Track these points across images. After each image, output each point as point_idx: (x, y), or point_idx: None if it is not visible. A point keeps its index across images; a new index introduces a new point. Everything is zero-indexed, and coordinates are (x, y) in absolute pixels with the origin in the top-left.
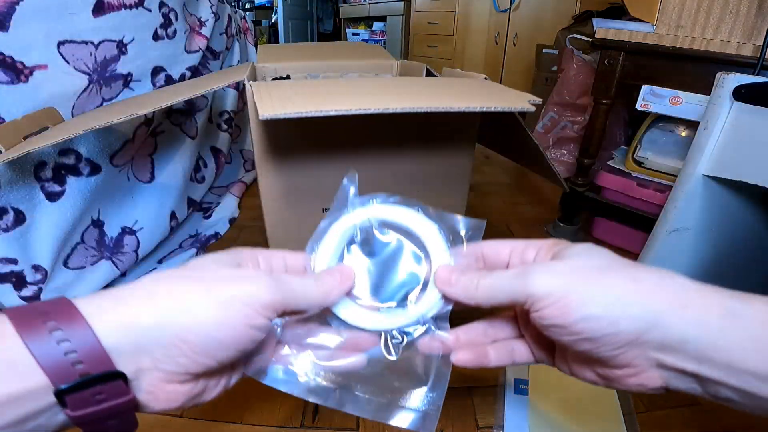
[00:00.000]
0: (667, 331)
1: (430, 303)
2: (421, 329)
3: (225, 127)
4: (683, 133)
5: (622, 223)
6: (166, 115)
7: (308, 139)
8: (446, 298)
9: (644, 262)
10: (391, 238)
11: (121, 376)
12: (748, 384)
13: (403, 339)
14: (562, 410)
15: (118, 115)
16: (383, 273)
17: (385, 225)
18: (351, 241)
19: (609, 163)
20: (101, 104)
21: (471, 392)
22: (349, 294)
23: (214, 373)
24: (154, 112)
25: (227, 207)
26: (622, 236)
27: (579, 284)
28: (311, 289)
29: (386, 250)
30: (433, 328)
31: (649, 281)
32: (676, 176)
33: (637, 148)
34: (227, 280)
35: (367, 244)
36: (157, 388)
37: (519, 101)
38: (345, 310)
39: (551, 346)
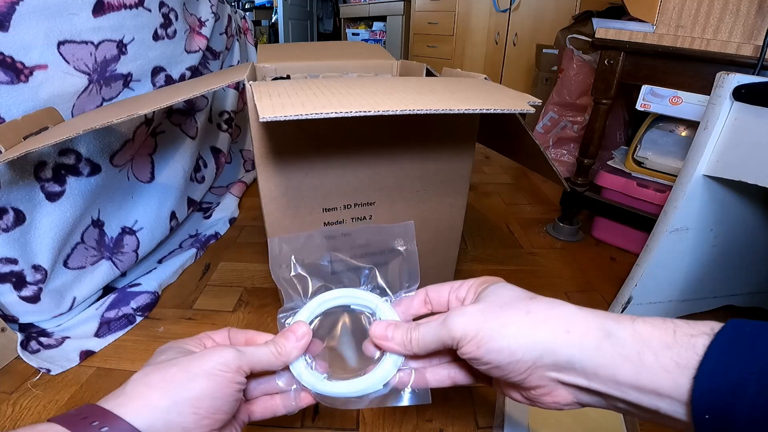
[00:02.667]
0: (556, 354)
1: (385, 369)
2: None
3: (225, 127)
4: (683, 133)
5: (622, 223)
6: (166, 115)
7: (308, 140)
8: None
9: (644, 262)
10: (343, 317)
11: None
12: (630, 396)
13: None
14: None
15: (118, 115)
16: (347, 346)
17: (335, 309)
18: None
19: (609, 163)
20: (101, 104)
21: (471, 392)
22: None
23: (227, 423)
24: (154, 112)
25: (227, 207)
26: (622, 236)
27: (485, 323)
28: (270, 355)
29: (343, 328)
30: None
31: (539, 312)
32: (676, 176)
33: (637, 148)
34: (197, 358)
35: (325, 327)
36: None
37: (519, 102)
38: (321, 384)
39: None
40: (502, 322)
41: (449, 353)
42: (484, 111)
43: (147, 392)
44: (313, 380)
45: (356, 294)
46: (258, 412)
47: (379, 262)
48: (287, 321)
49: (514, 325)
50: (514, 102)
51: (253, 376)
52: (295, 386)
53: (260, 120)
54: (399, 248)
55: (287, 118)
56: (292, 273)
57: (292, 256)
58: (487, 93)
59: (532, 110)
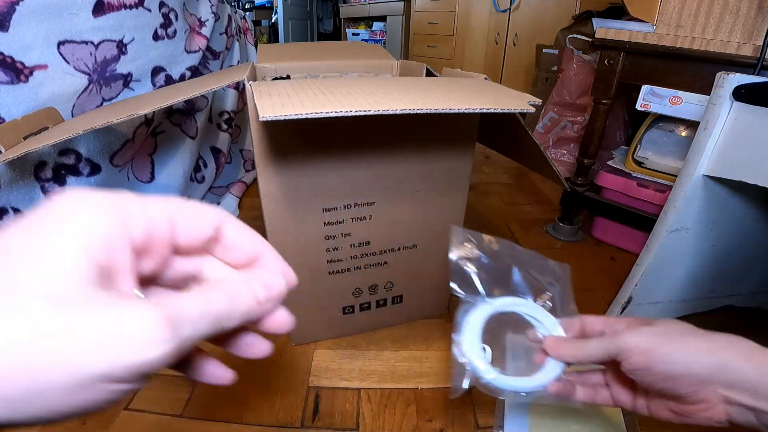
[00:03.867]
0: (733, 374)
1: (551, 369)
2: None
3: (225, 127)
4: (683, 133)
5: (622, 223)
6: (166, 115)
7: (308, 139)
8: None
9: (644, 262)
10: (512, 321)
11: None
12: None
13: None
14: (562, 410)
15: (118, 115)
16: (517, 348)
17: (509, 313)
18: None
19: (609, 163)
20: (101, 104)
21: (471, 392)
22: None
23: None
24: (154, 112)
25: (227, 207)
26: (622, 236)
27: (661, 341)
28: (230, 305)
29: (510, 330)
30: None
31: (720, 340)
32: (676, 176)
33: (637, 148)
34: (78, 330)
35: (493, 323)
36: None
37: (519, 102)
38: (500, 379)
39: (633, 392)
40: (681, 343)
41: (599, 375)
42: (484, 110)
43: None
44: (488, 373)
45: (532, 307)
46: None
47: (540, 286)
48: (469, 313)
49: (694, 344)
50: (514, 102)
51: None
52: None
53: (260, 119)
54: (556, 283)
55: (287, 118)
56: (473, 269)
57: (480, 253)
58: (487, 93)
59: (532, 110)
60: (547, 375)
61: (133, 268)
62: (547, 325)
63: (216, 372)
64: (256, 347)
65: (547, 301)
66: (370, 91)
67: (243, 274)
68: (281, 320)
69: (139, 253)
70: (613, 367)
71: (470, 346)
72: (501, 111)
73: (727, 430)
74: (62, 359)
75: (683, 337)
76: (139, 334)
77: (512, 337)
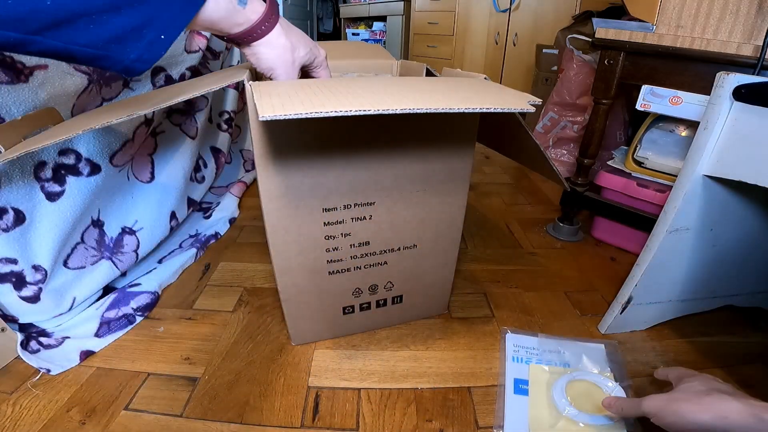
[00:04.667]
0: (732, 424)
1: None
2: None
3: (225, 127)
4: (683, 133)
5: (622, 223)
6: (166, 115)
7: (308, 140)
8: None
9: (644, 262)
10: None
11: None
12: None
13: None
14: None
15: (118, 115)
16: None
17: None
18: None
19: (609, 163)
20: (101, 104)
21: (471, 392)
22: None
23: None
24: (154, 112)
25: (227, 207)
26: (622, 236)
27: (666, 407)
28: None
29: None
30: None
31: (705, 404)
32: (676, 176)
33: (637, 148)
34: None
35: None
36: None
37: (519, 102)
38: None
39: None
40: (675, 408)
41: None
42: (485, 110)
43: None
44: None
45: (601, 377)
46: None
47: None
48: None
49: (684, 411)
50: (515, 101)
51: None
52: None
53: (260, 119)
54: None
55: (287, 117)
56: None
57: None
58: (487, 92)
59: (533, 109)
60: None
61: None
62: (613, 388)
63: None
64: None
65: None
66: (370, 90)
67: None
68: None
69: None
70: None
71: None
72: (501, 110)
73: None
74: None
75: (677, 404)
76: None
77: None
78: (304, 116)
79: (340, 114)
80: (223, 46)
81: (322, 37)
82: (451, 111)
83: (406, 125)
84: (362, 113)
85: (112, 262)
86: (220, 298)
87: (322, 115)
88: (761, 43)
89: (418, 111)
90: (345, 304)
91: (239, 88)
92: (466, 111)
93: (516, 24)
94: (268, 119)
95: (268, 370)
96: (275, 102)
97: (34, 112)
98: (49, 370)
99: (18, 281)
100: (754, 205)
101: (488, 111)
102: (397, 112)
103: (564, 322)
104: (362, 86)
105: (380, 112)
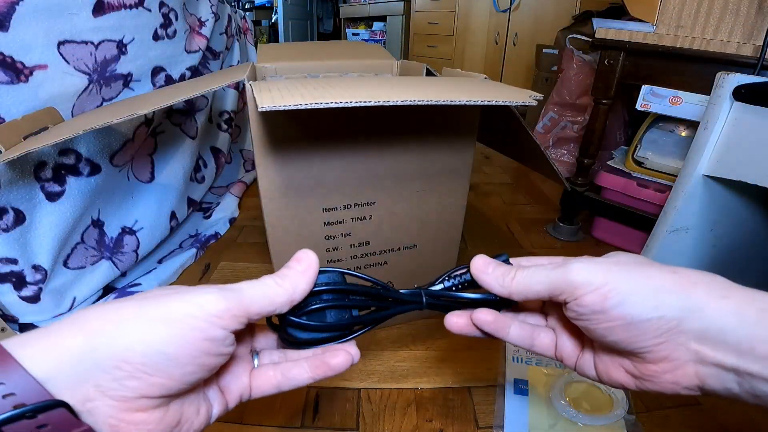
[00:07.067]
0: (707, 320)
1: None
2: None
3: (225, 127)
4: (683, 133)
5: (622, 223)
6: (166, 115)
7: (309, 139)
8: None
9: None
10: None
11: (62, 405)
12: None
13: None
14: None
15: (118, 115)
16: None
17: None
18: None
19: (609, 163)
20: (101, 104)
21: (471, 392)
22: None
23: (187, 397)
24: (154, 112)
25: (227, 207)
26: (622, 236)
27: (619, 274)
28: (271, 286)
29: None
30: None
31: (689, 274)
32: (676, 176)
33: (637, 148)
34: (168, 296)
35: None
36: (120, 420)
37: (520, 96)
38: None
39: (579, 345)
40: (643, 277)
41: (537, 314)
42: (485, 102)
43: (69, 330)
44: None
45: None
46: (262, 387)
47: None
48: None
49: (658, 279)
50: (515, 95)
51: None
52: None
53: (259, 109)
54: None
55: (287, 108)
56: None
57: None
58: (487, 89)
59: (534, 103)
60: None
61: None
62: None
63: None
64: (335, 359)
65: None
66: (370, 86)
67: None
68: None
69: None
70: (553, 309)
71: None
72: (503, 103)
73: (699, 400)
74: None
75: (643, 269)
76: (203, 290)
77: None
78: (303, 107)
79: (340, 105)
80: (223, 46)
81: (322, 37)
82: (452, 103)
83: (407, 124)
84: (362, 104)
85: (112, 262)
86: None
87: (322, 106)
88: (761, 43)
89: (419, 102)
90: None
91: (239, 88)
92: (467, 103)
93: (516, 24)
94: (267, 109)
95: None
96: (275, 95)
97: (34, 112)
98: None
99: (18, 281)
100: (754, 205)
101: (489, 104)
102: (398, 103)
103: None
104: (362, 84)
105: (381, 102)
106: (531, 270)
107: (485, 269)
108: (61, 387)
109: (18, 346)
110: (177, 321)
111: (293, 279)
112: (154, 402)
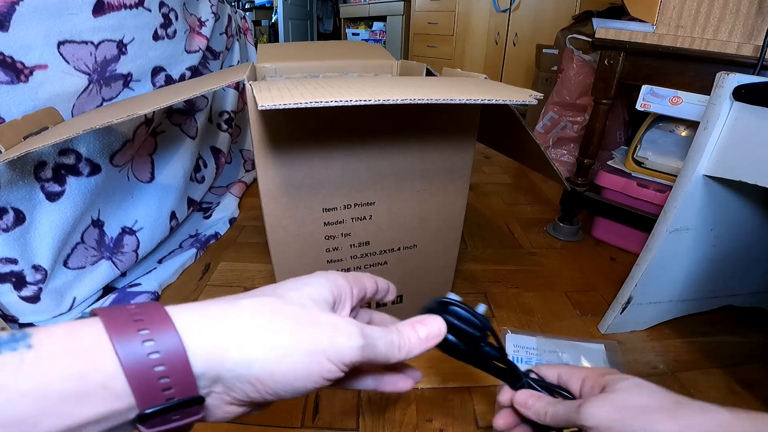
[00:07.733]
0: None
1: None
2: None
3: (225, 127)
4: (683, 133)
5: (622, 223)
6: (166, 115)
7: (309, 139)
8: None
9: (644, 262)
10: None
11: (201, 401)
12: None
13: None
14: None
15: (118, 115)
16: None
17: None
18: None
19: (609, 163)
20: (101, 104)
21: (471, 392)
22: None
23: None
24: (154, 112)
25: (227, 207)
26: (622, 236)
27: (623, 421)
28: (394, 349)
29: None
30: None
31: (689, 418)
32: (676, 176)
33: (637, 148)
34: (319, 328)
35: None
36: (217, 408)
37: (520, 94)
38: None
39: None
40: (645, 421)
41: None
42: (486, 102)
43: (233, 335)
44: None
45: None
46: None
47: None
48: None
49: (657, 426)
50: (516, 94)
51: None
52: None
53: (259, 108)
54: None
55: (286, 107)
56: None
57: None
58: (487, 88)
59: (534, 102)
60: None
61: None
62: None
63: (396, 382)
64: (398, 384)
65: None
66: (370, 86)
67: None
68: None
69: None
70: None
71: None
72: (503, 102)
73: None
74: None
75: (645, 417)
76: (347, 333)
77: None
78: (303, 106)
79: (340, 104)
80: (223, 46)
81: (322, 37)
82: (452, 102)
83: (407, 124)
84: (362, 103)
85: (112, 262)
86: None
87: (321, 105)
88: (761, 43)
89: (419, 101)
90: None
91: (239, 88)
92: (467, 102)
93: (516, 24)
94: (267, 108)
95: None
96: (275, 94)
97: (34, 112)
98: None
99: (18, 281)
100: (754, 205)
101: (489, 103)
102: (398, 101)
103: (564, 322)
104: (363, 83)
105: (381, 101)
106: (560, 407)
107: (526, 404)
108: (203, 381)
109: (187, 326)
110: (317, 360)
111: (411, 346)
112: (252, 404)
